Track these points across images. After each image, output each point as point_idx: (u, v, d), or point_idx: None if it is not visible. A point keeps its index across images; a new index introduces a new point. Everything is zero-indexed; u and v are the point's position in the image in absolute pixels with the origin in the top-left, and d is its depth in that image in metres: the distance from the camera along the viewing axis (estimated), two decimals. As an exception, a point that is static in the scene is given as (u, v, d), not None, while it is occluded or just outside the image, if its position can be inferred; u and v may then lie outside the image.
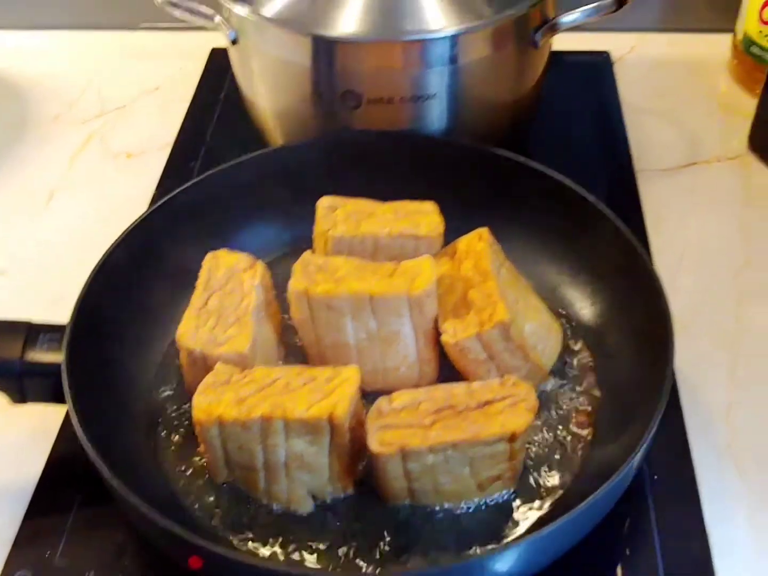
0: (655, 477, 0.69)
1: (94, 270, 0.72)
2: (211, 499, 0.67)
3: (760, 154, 0.98)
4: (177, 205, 0.79)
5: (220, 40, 0.89)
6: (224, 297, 0.71)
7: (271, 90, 0.87)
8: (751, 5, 1.02)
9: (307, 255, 0.71)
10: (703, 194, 0.94)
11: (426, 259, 0.70)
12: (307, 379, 0.64)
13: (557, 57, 0.95)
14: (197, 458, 0.69)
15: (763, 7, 1.00)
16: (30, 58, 1.19)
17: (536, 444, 0.69)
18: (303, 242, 0.78)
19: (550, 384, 0.73)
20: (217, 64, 1.13)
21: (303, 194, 0.79)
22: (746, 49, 1.05)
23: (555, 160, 0.94)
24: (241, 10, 0.81)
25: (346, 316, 0.69)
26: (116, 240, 0.75)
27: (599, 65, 1.12)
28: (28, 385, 0.67)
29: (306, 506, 0.66)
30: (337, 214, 0.76)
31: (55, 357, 0.66)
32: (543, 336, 0.73)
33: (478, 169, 0.82)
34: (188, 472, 0.68)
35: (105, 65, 1.18)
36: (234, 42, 0.85)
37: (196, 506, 0.66)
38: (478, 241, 0.72)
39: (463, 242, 0.74)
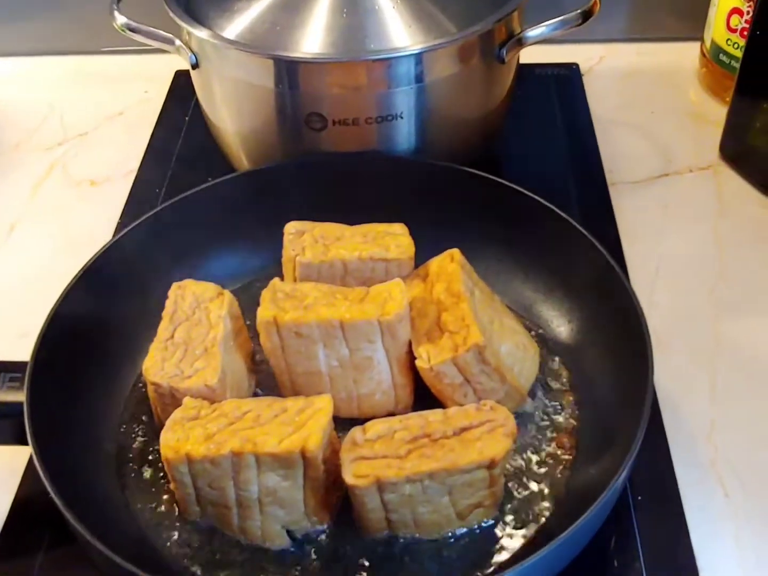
0: (639, 498, 0.68)
1: (54, 306, 0.70)
2: (183, 536, 0.65)
3: (731, 163, 0.97)
4: (141, 235, 0.78)
5: (185, 62, 0.87)
6: (191, 328, 0.70)
7: (234, 113, 0.85)
8: (718, 13, 1.01)
9: (275, 282, 0.70)
10: (677, 205, 0.93)
11: (397, 283, 0.69)
12: (278, 411, 0.62)
13: (526, 69, 0.95)
14: (168, 495, 0.67)
15: (730, 15, 0.99)
16: (-12, 86, 1.17)
17: (517, 468, 0.68)
18: (273, 268, 0.77)
19: (529, 405, 0.72)
20: (182, 86, 1.11)
21: (270, 219, 0.78)
22: (714, 58, 1.04)
23: (526, 175, 0.94)
24: (200, 33, 0.79)
25: (316, 343, 0.67)
26: (77, 274, 0.73)
27: (568, 77, 1.12)
28: None
29: (281, 542, 0.64)
30: (304, 239, 0.74)
31: (17, 397, 0.64)
32: (519, 357, 0.71)
33: (448, 188, 0.81)
34: (159, 509, 0.67)
35: (66, 91, 1.16)
36: (195, 66, 0.84)
37: (168, 545, 0.64)
38: (450, 263, 0.71)
39: (435, 264, 0.72)
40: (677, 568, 0.64)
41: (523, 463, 0.68)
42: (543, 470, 0.67)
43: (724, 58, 1.03)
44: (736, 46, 1.00)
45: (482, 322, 0.68)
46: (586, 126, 1.04)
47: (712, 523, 0.67)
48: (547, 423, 0.70)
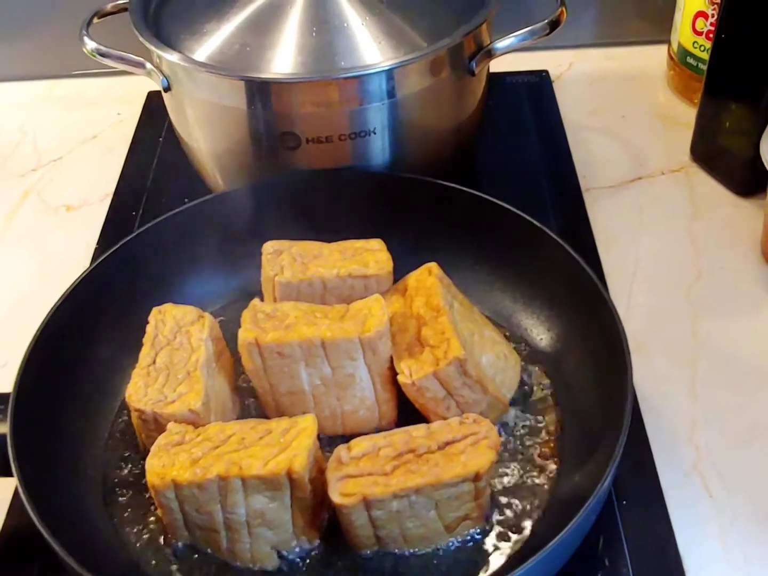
0: (624, 502, 0.68)
1: (35, 335, 0.70)
2: (172, 561, 0.65)
3: (702, 164, 0.98)
4: (118, 260, 0.78)
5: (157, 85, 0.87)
6: (172, 353, 0.70)
7: (207, 135, 0.85)
8: (684, 17, 1.02)
9: (255, 303, 0.70)
10: (651, 209, 0.94)
11: (377, 299, 0.69)
12: (263, 432, 0.63)
13: (497, 78, 0.95)
14: (156, 520, 0.67)
15: (696, 18, 1.00)
16: (-40, 114, 1.17)
17: (502, 478, 0.68)
18: (253, 288, 0.77)
19: (512, 415, 0.72)
20: (155, 107, 1.11)
21: (248, 239, 0.78)
22: (682, 60, 1.05)
23: (501, 183, 0.95)
24: (171, 57, 0.79)
25: (298, 362, 0.67)
26: (56, 302, 0.73)
27: (539, 84, 1.13)
28: None
29: (271, 563, 0.64)
30: (283, 258, 0.75)
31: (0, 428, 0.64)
32: (501, 367, 0.72)
33: (422, 201, 0.81)
34: (147, 535, 0.66)
35: (39, 116, 1.15)
36: (167, 89, 0.84)
37: (158, 570, 0.64)
38: (428, 276, 0.71)
39: (413, 278, 0.73)
40: (664, 570, 0.65)
41: (507, 473, 0.68)
42: (528, 479, 0.68)
43: (691, 60, 1.04)
44: (702, 48, 1.01)
45: (462, 335, 0.68)
46: (559, 132, 1.04)
47: (698, 524, 0.67)
48: (530, 432, 0.71)
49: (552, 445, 0.70)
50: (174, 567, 0.64)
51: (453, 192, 0.80)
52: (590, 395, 0.70)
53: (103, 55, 0.85)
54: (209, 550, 0.65)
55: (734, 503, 0.68)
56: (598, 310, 0.70)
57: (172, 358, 0.69)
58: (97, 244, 0.94)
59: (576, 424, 0.70)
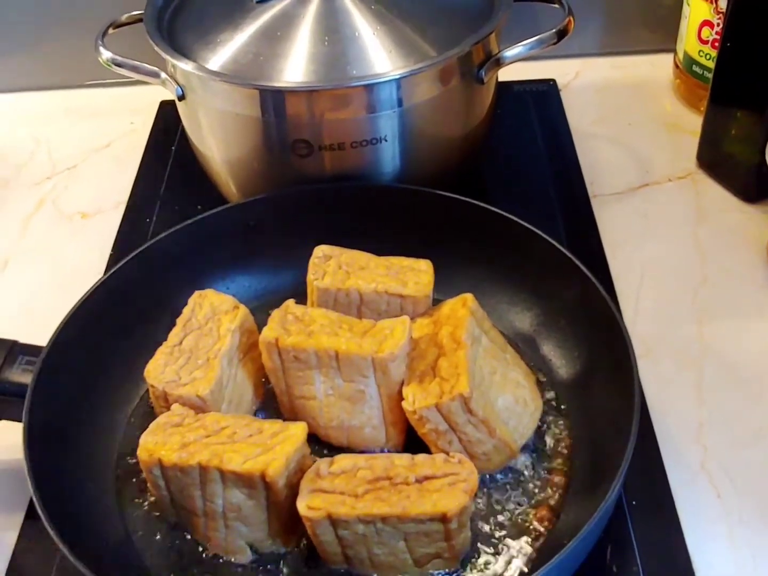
0: (634, 503, 0.69)
1: (60, 325, 0.72)
2: (186, 566, 0.66)
3: (708, 171, 0.99)
4: (160, 251, 0.80)
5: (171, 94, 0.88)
6: (200, 337, 0.71)
7: (221, 143, 0.87)
8: (690, 26, 1.04)
9: (288, 304, 0.71)
10: (658, 215, 0.95)
11: (402, 321, 0.68)
12: (254, 431, 0.63)
13: (506, 86, 0.96)
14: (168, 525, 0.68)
15: (701, 27, 1.02)
16: (-25, 124, 1.18)
17: (489, 527, 0.66)
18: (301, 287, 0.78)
19: (521, 461, 0.70)
20: (167, 116, 1.13)
21: (300, 241, 0.79)
22: (688, 69, 1.07)
23: (509, 191, 0.96)
24: (186, 66, 0.81)
25: (313, 369, 0.68)
26: (96, 283, 0.76)
27: (547, 93, 1.14)
28: (1, 403, 0.69)
29: (244, 557, 0.66)
30: (329, 264, 0.75)
31: (28, 379, 0.68)
32: (517, 412, 0.70)
33: (469, 225, 0.81)
34: (160, 537, 0.68)
35: (53, 125, 1.17)
36: (181, 98, 0.85)
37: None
38: (461, 307, 0.70)
39: (447, 306, 0.72)
40: (674, 569, 0.65)
41: (503, 522, 0.67)
42: (515, 533, 0.66)
43: (697, 69, 1.05)
44: (708, 57, 1.02)
45: (481, 372, 0.67)
46: (566, 140, 1.06)
47: (706, 524, 0.68)
48: (537, 485, 0.68)
49: (552, 503, 0.67)
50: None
51: (475, 209, 0.81)
52: (601, 436, 0.68)
53: (118, 64, 0.87)
54: (191, 534, 0.67)
55: (742, 503, 0.69)
56: (611, 337, 0.69)
57: (198, 342, 0.70)
58: (112, 251, 0.95)
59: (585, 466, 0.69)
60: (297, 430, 0.63)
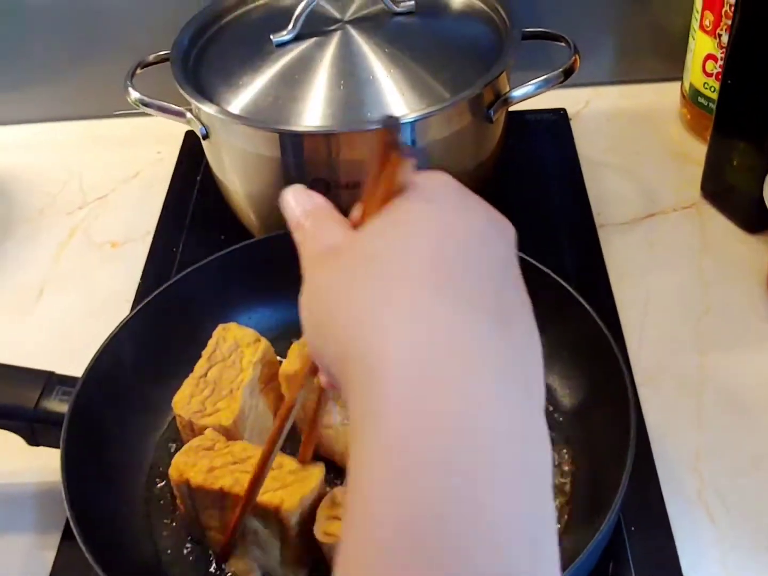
0: (632, 528, 0.72)
1: (105, 340, 0.77)
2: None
3: (712, 201, 1.02)
4: (184, 284, 0.84)
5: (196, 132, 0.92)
6: (224, 369, 0.75)
7: (243, 179, 0.91)
8: (695, 58, 1.07)
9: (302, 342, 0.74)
10: (663, 245, 0.97)
11: None
12: (275, 465, 0.66)
13: (517, 116, 0.98)
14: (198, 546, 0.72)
15: (705, 60, 1.05)
16: (9, 153, 1.22)
17: None
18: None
19: None
20: (192, 146, 1.15)
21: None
22: (693, 99, 1.09)
23: (518, 222, 0.96)
24: (209, 109, 0.85)
25: (329, 399, 0.72)
26: (125, 317, 0.80)
27: (557, 122, 1.16)
28: (40, 431, 0.73)
29: None
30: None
31: (64, 408, 0.72)
32: None
33: None
34: (191, 558, 0.72)
35: (83, 155, 1.20)
36: (205, 137, 0.90)
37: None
38: None
39: None
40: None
41: None
42: None
43: (702, 100, 1.08)
44: (712, 89, 1.05)
45: None
46: (575, 169, 1.08)
47: (700, 549, 0.71)
48: None
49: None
50: None
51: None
52: (600, 472, 0.71)
53: (146, 105, 0.92)
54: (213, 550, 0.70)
55: (734, 529, 0.72)
56: (613, 375, 0.71)
57: (222, 374, 0.75)
58: (141, 279, 0.99)
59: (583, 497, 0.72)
60: (315, 472, 0.66)
